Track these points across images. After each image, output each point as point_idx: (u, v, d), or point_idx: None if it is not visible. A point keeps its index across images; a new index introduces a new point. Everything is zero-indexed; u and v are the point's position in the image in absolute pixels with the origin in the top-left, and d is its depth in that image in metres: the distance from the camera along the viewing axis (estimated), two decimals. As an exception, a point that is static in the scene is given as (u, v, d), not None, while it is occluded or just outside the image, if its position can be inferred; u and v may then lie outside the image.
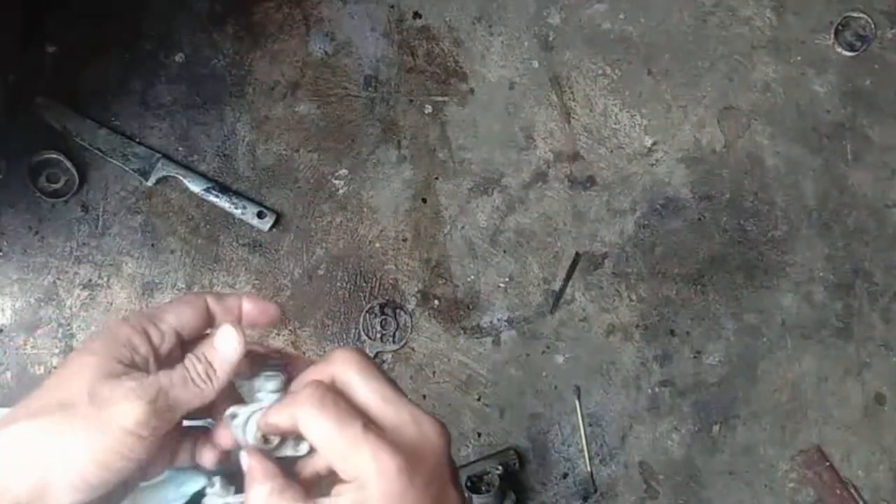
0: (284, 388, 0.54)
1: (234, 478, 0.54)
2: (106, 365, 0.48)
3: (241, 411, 0.52)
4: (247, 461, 0.50)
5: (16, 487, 0.45)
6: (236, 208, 1.23)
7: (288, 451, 0.52)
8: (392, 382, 0.50)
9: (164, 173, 1.23)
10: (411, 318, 1.25)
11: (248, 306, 0.55)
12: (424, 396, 1.24)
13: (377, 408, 0.48)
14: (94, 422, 0.46)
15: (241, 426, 0.52)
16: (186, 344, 0.52)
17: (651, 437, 1.25)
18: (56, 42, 1.25)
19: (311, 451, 0.51)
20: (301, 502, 0.47)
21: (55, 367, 1.19)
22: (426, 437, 0.48)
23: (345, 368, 0.50)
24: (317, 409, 0.47)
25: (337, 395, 0.48)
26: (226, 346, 0.51)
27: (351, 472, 0.46)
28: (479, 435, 1.24)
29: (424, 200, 1.28)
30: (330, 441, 0.47)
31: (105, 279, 1.23)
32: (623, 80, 1.31)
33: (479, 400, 1.25)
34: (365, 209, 1.27)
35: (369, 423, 0.47)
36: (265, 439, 0.51)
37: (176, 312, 0.52)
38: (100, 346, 0.49)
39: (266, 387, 0.53)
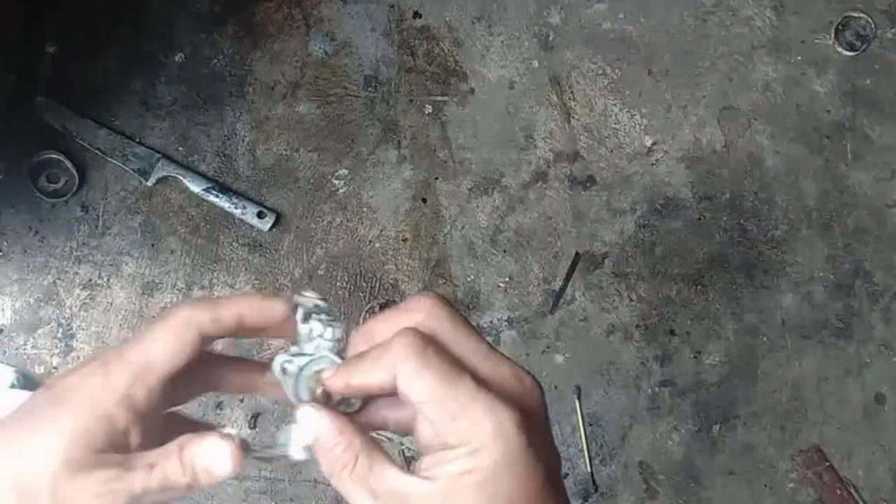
0: (345, 340, 0.47)
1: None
2: (78, 445, 0.42)
3: (295, 361, 0.47)
4: (321, 423, 0.44)
5: None
6: (236, 208, 1.23)
7: (341, 407, 0.46)
8: (481, 334, 0.44)
9: (164, 173, 1.23)
10: (411, 318, 1.25)
11: (248, 311, 0.47)
12: (424, 396, 1.24)
13: (476, 361, 0.43)
14: None
15: (294, 378, 0.46)
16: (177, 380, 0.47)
17: (651, 437, 1.25)
18: (56, 42, 1.25)
19: (361, 406, 0.47)
20: (399, 471, 0.42)
21: (55, 369, 1.19)
22: (531, 392, 0.43)
23: (433, 316, 0.43)
24: (420, 362, 0.41)
25: (439, 346, 0.42)
26: (216, 465, 0.43)
27: (460, 434, 0.40)
28: (479, 435, 1.24)
29: (424, 200, 1.28)
30: (436, 399, 0.40)
31: (105, 279, 1.23)
32: (623, 80, 1.31)
33: (479, 400, 1.24)
34: (365, 209, 1.27)
35: (478, 378, 0.41)
36: (327, 395, 0.46)
37: (165, 352, 0.45)
38: (79, 408, 0.43)
39: (326, 334, 0.47)
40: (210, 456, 0.43)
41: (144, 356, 0.45)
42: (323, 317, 0.48)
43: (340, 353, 0.47)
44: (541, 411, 0.43)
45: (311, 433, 0.44)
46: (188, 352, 0.46)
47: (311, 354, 0.47)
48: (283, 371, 0.46)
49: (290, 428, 0.45)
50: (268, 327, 0.48)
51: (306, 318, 0.48)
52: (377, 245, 1.26)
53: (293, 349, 0.47)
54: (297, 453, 0.45)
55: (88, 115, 1.24)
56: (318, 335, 0.47)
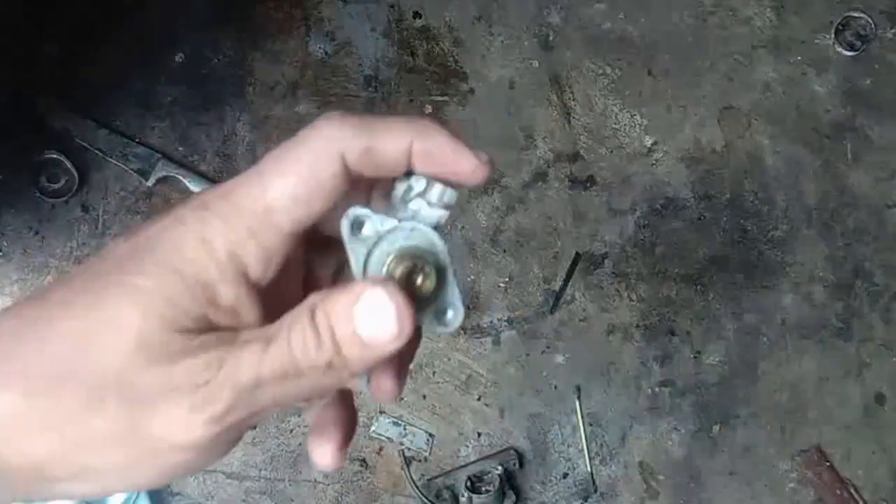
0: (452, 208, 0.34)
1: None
2: (159, 321, 0.29)
3: (374, 220, 0.33)
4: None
5: None
6: (236, 208, 1.23)
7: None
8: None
9: (164, 173, 1.23)
10: (411, 318, 1.25)
11: (424, 146, 0.33)
12: (424, 396, 1.24)
13: None
14: (121, 427, 0.30)
15: (368, 246, 0.33)
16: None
17: (651, 437, 1.25)
18: (56, 42, 1.25)
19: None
20: None
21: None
22: None
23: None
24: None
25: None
26: (377, 332, 0.30)
27: None
28: (479, 435, 1.24)
29: (424, 200, 1.28)
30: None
31: (105, 279, 1.23)
32: (623, 80, 1.31)
33: (479, 400, 1.25)
34: (365, 209, 1.27)
35: None
36: (410, 281, 0.32)
37: (295, 194, 0.32)
38: (161, 270, 0.30)
39: (431, 194, 0.33)
40: (365, 315, 0.30)
41: (262, 198, 0.32)
42: (419, 174, 0.34)
43: (441, 232, 0.34)
44: None
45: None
46: (326, 192, 0.32)
47: (400, 219, 0.33)
48: (354, 229, 0.32)
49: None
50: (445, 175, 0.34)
51: (409, 173, 0.34)
52: (377, 245, 1.26)
53: (378, 210, 0.33)
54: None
55: (88, 115, 1.24)
56: (416, 194, 0.33)
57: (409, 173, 0.34)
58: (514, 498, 1.19)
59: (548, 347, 1.26)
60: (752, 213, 1.29)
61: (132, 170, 1.23)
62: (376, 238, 0.32)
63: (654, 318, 1.27)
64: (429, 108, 1.29)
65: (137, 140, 1.25)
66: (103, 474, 0.31)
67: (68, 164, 1.22)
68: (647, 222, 1.29)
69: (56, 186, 1.23)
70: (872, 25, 1.31)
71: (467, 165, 0.34)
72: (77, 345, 0.29)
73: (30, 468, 0.30)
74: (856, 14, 1.31)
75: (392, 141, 0.33)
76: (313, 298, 0.31)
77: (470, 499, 1.17)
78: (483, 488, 1.19)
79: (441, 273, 0.33)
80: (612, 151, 1.30)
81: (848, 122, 1.31)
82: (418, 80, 1.30)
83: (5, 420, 0.29)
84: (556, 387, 1.25)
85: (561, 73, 1.31)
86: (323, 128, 0.33)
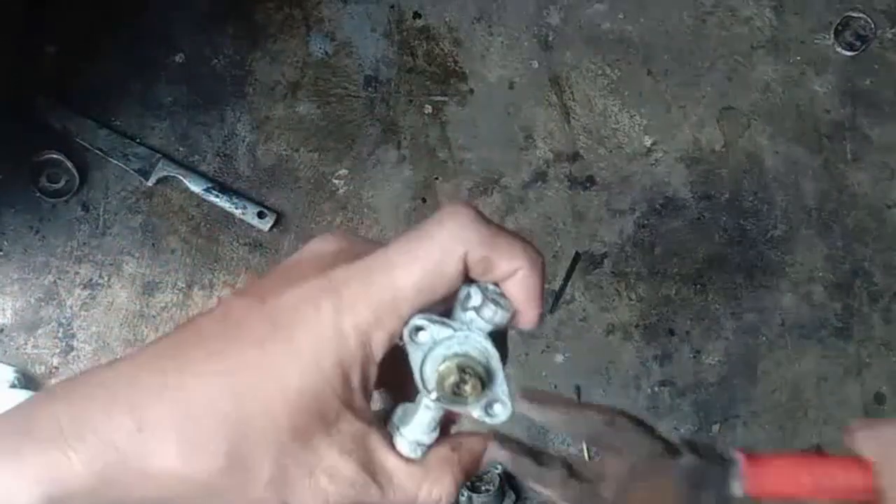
0: (503, 332, 0.37)
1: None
2: (306, 408, 0.33)
3: (432, 331, 0.35)
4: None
5: None
6: (236, 208, 1.23)
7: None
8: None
9: (165, 173, 1.23)
10: (411, 317, 1.25)
11: (525, 273, 0.37)
12: (424, 396, 1.24)
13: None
14: (266, 497, 0.34)
15: (424, 351, 0.36)
16: None
17: (651, 436, 1.25)
18: (56, 42, 1.26)
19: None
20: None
21: (55, 368, 1.19)
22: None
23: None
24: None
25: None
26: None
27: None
28: (479, 435, 1.24)
29: (424, 200, 1.28)
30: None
31: (105, 279, 1.23)
32: (623, 80, 1.31)
33: (478, 400, 1.25)
34: (365, 209, 1.27)
35: None
36: (458, 389, 0.36)
37: (420, 283, 0.34)
38: (306, 355, 0.33)
39: (484, 311, 0.35)
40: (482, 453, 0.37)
41: (392, 288, 0.34)
42: (490, 288, 0.36)
43: (496, 340, 0.36)
44: None
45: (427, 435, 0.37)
46: (445, 288, 0.35)
47: (456, 329, 0.35)
48: (412, 336, 0.35)
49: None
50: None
51: (469, 282, 0.36)
52: (377, 245, 1.26)
53: (434, 315, 0.35)
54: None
55: (88, 115, 1.24)
56: (473, 307, 0.35)
57: (470, 281, 0.36)
58: (514, 497, 1.19)
59: (547, 347, 1.26)
60: (752, 213, 1.29)
61: (132, 170, 1.23)
62: (432, 344, 0.35)
63: (654, 317, 1.27)
64: (429, 108, 1.29)
65: (137, 140, 1.25)
66: None
67: (68, 164, 1.22)
68: (646, 222, 1.29)
69: (56, 186, 1.23)
70: (872, 25, 1.31)
71: (532, 316, 0.38)
72: (230, 422, 0.33)
73: None
74: (856, 14, 1.31)
75: (507, 261, 0.36)
76: (447, 464, 0.37)
77: (470, 498, 1.17)
78: (483, 488, 1.19)
79: (490, 373, 0.36)
80: (611, 151, 1.30)
81: (848, 122, 1.31)
82: (418, 80, 1.30)
83: (164, 473, 0.33)
84: (555, 386, 1.25)
85: (561, 74, 1.31)
86: (451, 226, 0.35)
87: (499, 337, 0.37)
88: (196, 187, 1.23)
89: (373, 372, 0.35)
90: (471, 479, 1.19)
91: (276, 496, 0.34)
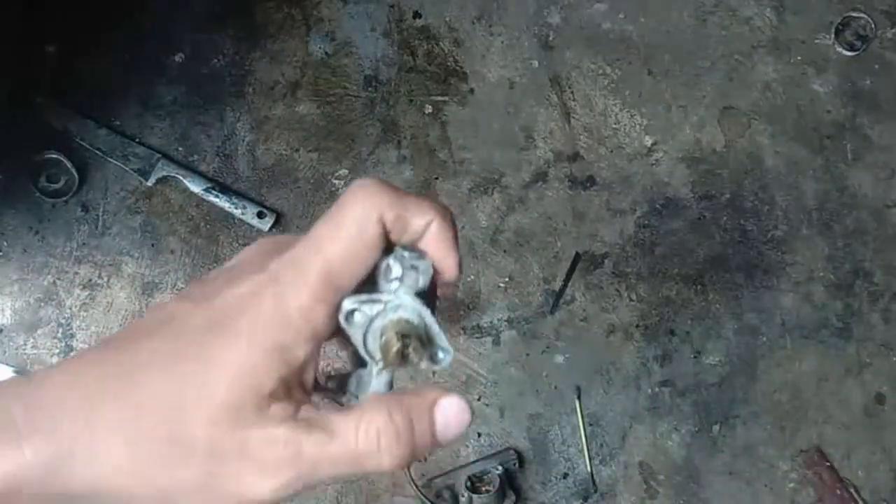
0: (430, 288, 0.39)
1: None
2: (245, 387, 0.34)
3: (364, 310, 0.38)
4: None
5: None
6: (236, 208, 1.23)
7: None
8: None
9: (164, 173, 1.23)
10: (411, 318, 1.25)
11: (439, 229, 0.39)
12: (424, 396, 1.23)
13: None
14: (202, 481, 0.35)
15: (363, 329, 0.38)
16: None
17: (651, 437, 1.25)
18: (56, 42, 1.26)
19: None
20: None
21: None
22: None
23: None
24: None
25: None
26: (449, 431, 0.38)
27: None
28: (479, 435, 1.24)
29: (424, 200, 1.27)
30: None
31: (105, 279, 1.23)
32: (623, 80, 1.31)
33: (479, 400, 1.25)
34: (365, 209, 1.27)
35: None
36: (402, 355, 0.38)
37: (347, 257, 0.36)
38: (245, 337, 0.35)
39: (406, 279, 0.38)
40: (442, 417, 0.37)
41: (324, 263, 0.36)
42: (407, 256, 0.38)
43: (424, 298, 0.38)
44: None
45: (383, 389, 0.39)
46: (371, 251, 0.37)
47: (385, 301, 0.38)
48: (348, 320, 0.37)
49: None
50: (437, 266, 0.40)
51: (386, 256, 0.38)
52: (377, 245, 1.26)
53: (362, 295, 0.38)
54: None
55: (88, 115, 1.24)
56: (395, 277, 0.38)
57: (389, 249, 0.39)
58: (514, 498, 1.19)
59: (548, 347, 1.26)
60: (752, 213, 1.29)
61: (132, 170, 1.23)
62: (367, 321, 0.38)
63: (654, 318, 1.27)
64: (429, 108, 1.29)
65: (137, 140, 1.25)
66: None
67: (68, 164, 1.22)
68: (647, 222, 1.29)
69: (56, 186, 1.23)
70: (872, 25, 1.31)
71: (451, 264, 0.40)
72: (170, 408, 0.35)
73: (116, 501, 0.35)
74: (856, 14, 1.31)
75: (419, 217, 0.38)
76: (382, 402, 0.37)
77: (470, 499, 1.17)
78: (483, 488, 1.19)
79: (428, 329, 0.39)
80: (612, 151, 1.30)
81: (848, 122, 1.31)
82: (418, 80, 1.30)
83: (110, 467, 0.34)
84: (556, 387, 1.25)
85: (561, 73, 1.31)
86: (362, 195, 0.37)
87: (425, 294, 0.39)
88: (196, 187, 1.23)
89: (319, 347, 0.37)
90: (471, 480, 1.19)
91: (211, 470, 0.35)
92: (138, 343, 0.36)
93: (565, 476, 1.24)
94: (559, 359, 1.26)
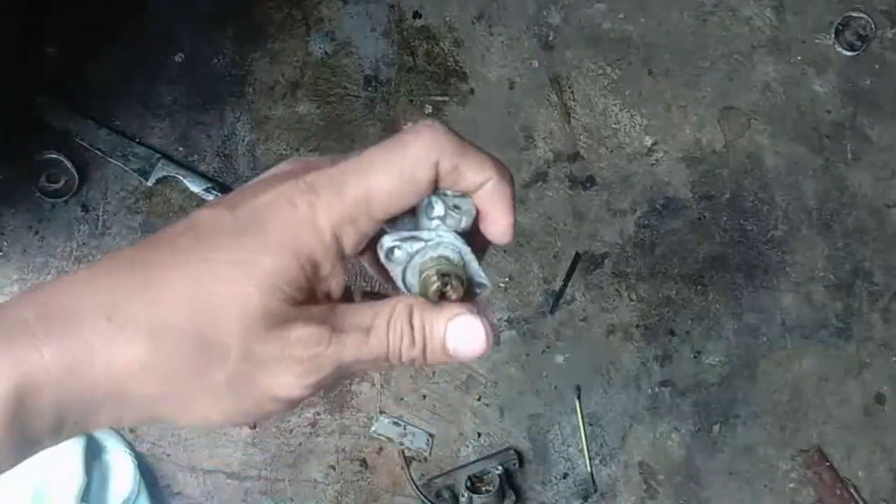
0: (473, 228, 0.39)
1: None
2: (276, 292, 0.34)
3: (405, 247, 0.37)
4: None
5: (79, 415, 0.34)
6: (236, 208, 1.23)
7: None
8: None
9: (164, 173, 1.23)
10: (411, 318, 1.25)
11: (495, 185, 0.39)
12: (424, 396, 1.24)
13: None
14: (237, 381, 0.35)
15: (403, 266, 0.38)
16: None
17: (651, 437, 1.25)
18: (56, 42, 1.25)
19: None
20: None
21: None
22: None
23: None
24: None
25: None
26: (462, 348, 0.38)
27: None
28: (479, 435, 1.24)
29: (424, 200, 1.28)
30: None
31: (105, 279, 1.23)
32: (623, 80, 1.31)
33: (479, 400, 1.25)
34: (365, 209, 1.27)
35: None
36: (441, 293, 0.37)
37: (391, 190, 0.36)
38: (276, 245, 0.34)
39: (448, 219, 0.38)
40: (455, 333, 0.37)
41: (366, 190, 0.36)
42: (450, 194, 0.38)
43: (464, 237, 0.38)
44: None
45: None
46: (417, 193, 0.37)
47: (426, 240, 0.38)
48: (388, 256, 0.38)
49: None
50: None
51: (435, 189, 0.38)
52: (377, 245, 1.26)
53: (404, 231, 0.38)
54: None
55: (88, 115, 1.24)
56: (437, 216, 0.38)
57: (435, 189, 0.38)
58: (514, 498, 1.19)
59: (548, 347, 1.26)
60: (752, 213, 1.29)
61: (132, 170, 1.23)
62: (408, 258, 0.38)
63: (654, 317, 1.27)
64: (429, 108, 1.29)
65: (137, 140, 1.25)
66: (209, 414, 0.36)
67: (68, 164, 1.22)
68: (647, 222, 1.29)
69: (56, 186, 1.23)
70: (872, 25, 1.31)
71: (505, 225, 0.40)
72: (198, 309, 0.34)
73: (145, 405, 0.35)
74: (856, 14, 1.31)
75: (477, 172, 0.38)
76: (409, 302, 0.37)
77: (470, 499, 1.17)
78: (483, 488, 1.19)
79: (467, 267, 0.39)
80: (612, 151, 1.30)
81: (848, 121, 1.31)
82: (418, 80, 1.30)
83: (133, 368, 0.33)
84: (556, 387, 1.25)
85: (561, 73, 1.31)
86: (426, 134, 0.37)
87: (467, 235, 0.39)
88: (196, 187, 1.23)
89: (341, 269, 0.36)
90: (471, 480, 1.19)
91: (245, 372, 0.34)
92: (162, 246, 0.36)
93: (565, 476, 1.24)
94: (559, 359, 1.25)
